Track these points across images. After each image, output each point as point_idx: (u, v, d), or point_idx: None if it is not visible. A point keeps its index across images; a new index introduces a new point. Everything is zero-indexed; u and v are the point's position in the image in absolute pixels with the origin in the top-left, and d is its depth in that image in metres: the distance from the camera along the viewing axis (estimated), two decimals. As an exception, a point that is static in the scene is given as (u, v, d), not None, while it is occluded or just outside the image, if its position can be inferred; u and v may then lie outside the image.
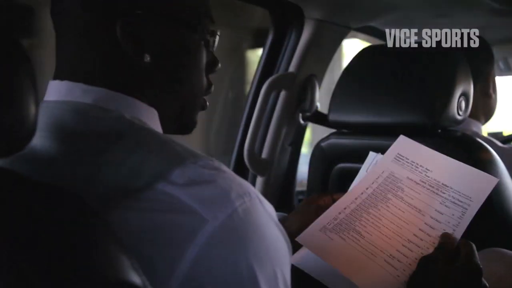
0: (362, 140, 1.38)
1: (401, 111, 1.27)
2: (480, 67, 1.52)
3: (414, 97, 1.26)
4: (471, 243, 0.83)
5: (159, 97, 0.72)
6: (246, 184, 0.63)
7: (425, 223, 0.88)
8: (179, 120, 0.76)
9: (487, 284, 0.82)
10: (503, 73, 2.23)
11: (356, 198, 0.94)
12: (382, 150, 1.27)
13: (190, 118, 0.78)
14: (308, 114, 1.79)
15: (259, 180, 1.82)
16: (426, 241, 0.86)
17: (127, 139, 0.64)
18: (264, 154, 1.81)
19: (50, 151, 0.65)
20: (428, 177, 0.93)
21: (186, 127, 0.78)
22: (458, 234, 0.85)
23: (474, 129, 1.51)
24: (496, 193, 1.20)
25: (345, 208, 0.93)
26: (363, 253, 0.86)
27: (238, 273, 0.58)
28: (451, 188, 0.90)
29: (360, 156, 1.27)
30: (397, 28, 1.96)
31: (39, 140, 0.66)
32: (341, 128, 1.45)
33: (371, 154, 1.11)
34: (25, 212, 0.47)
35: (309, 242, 0.90)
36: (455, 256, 0.83)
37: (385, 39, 2.03)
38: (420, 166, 0.95)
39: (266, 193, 1.82)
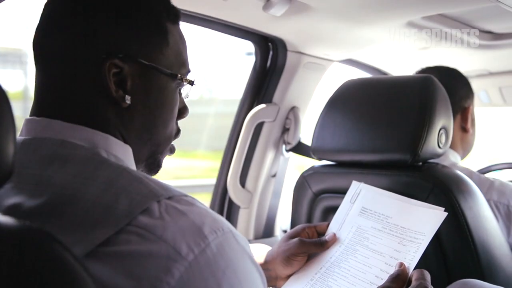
0: (344, 171, 1.38)
1: (381, 146, 1.28)
2: (459, 101, 1.54)
3: (393, 131, 1.26)
4: (423, 270, 0.91)
5: (133, 139, 0.75)
6: (220, 218, 0.65)
7: (385, 263, 0.99)
8: (148, 162, 0.79)
9: None
10: (484, 105, 2.26)
11: (330, 257, 1.06)
12: (363, 181, 1.29)
13: (158, 162, 0.81)
14: (291, 145, 1.81)
15: (243, 211, 1.82)
16: (385, 279, 0.94)
17: (100, 177, 0.65)
18: (247, 185, 1.81)
19: (26, 189, 0.65)
20: (389, 223, 1.05)
21: (152, 170, 0.81)
22: (413, 265, 0.95)
23: (453, 159, 1.51)
24: (476, 226, 1.20)
25: (321, 268, 1.05)
26: None
27: None
28: (408, 229, 1.01)
29: (343, 187, 1.27)
30: (379, 60, 2.00)
31: (15, 178, 0.66)
32: (324, 159, 1.45)
33: (354, 183, 1.17)
34: (3, 257, 0.47)
35: None
36: (408, 283, 0.91)
37: (368, 71, 2.07)
38: (382, 214, 1.07)
39: (249, 224, 1.82)
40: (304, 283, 1.04)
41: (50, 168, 0.66)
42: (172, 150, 0.83)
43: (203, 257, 0.60)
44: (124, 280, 0.58)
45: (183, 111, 0.83)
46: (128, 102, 0.72)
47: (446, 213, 1.00)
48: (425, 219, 1.01)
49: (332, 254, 1.07)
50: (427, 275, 0.90)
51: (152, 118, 0.76)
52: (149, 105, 0.75)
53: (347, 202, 1.15)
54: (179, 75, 0.77)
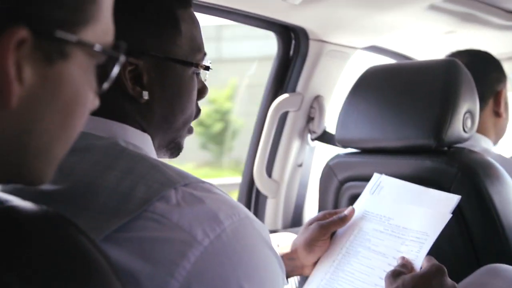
0: (369, 158, 1.38)
1: (405, 131, 1.27)
2: (491, 85, 1.51)
3: (417, 116, 1.26)
4: (431, 256, 0.95)
5: (152, 129, 0.76)
6: (237, 204, 0.66)
7: (388, 264, 1.00)
8: (169, 147, 0.80)
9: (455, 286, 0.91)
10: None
11: (334, 261, 1.07)
12: (388, 167, 1.29)
13: (179, 145, 0.82)
14: (316, 134, 1.80)
15: (270, 201, 1.83)
16: None
17: (119, 165, 0.66)
18: (274, 175, 1.82)
19: None
20: (390, 224, 1.06)
21: (173, 153, 0.82)
22: (417, 266, 0.96)
23: (484, 145, 1.48)
24: (504, 210, 1.19)
25: (326, 274, 1.06)
26: None
27: None
28: (410, 230, 1.03)
29: (368, 175, 1.27)
30: (404, 46, 1.97)
31: None
32: (348, 147, 1.46)
33: (375, 175, 1.17)
34: (20, 239, 0.48)
35: None
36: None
37: (393, 57, 2.05)
38: (383, 216, 1.08)
39: (276, 214, 1.83)
40: None
41: (72, 158, 0.67)
42: (190, 131, 0.83)
43: (219, 242, 0.61)
44: (141, 264, 0.60)
45: (202, 91, 0.83)
46: (146, 97, 0.73)
47: (451, 215, 1.01)
48: (429, 220, 1.02)
49: (335, 257, 1.08)
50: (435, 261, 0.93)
51: (170, 108, 0.77)
52: (166, 97, 0.76)
53: (367, 193, 1.15)
54: (194, 62, 0.77)
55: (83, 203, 0.63)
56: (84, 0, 0.46)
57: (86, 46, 0.47)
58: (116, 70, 0.51)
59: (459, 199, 1.02)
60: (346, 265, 1.05)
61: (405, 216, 1.06)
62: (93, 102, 0.51)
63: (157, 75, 0.74)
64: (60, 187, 0.65)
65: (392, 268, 0.97)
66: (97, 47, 0.47)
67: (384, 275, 0.98)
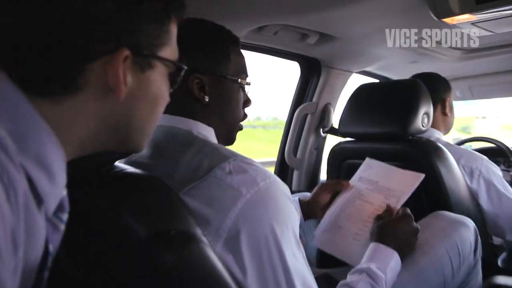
0: (361, 144, 1.39)
1: (385, 125, 1.27)
2: (440, 95, 1.50)
3: (392, 116, 1.26)
4: (405, 207, 0.96)
5: (213, 123, 0.76)
6: (269, 172, 0.66)
7: (374, 209, 1.03)
8: (225, 138, 0.80)
9: (418, 227, 0.92)
10: (459, 99, 2.17)
11: (337, 207, 1.07)
12: (372, 150, 1.28)
13: (231, 138, 0.82)
14: (326, 129, 1.81)
15: (295, 172, 1.83)
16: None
17: (193, 148, 0.68)
18: (298, 155, 1.82)
19: (149, 156, 0.71)
20: (378, 185, 1.07)
21: (228, 143, 0.82)
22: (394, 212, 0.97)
23: (437, 135, 1.47)
24: (447, 178, 1.20)
25: (331, 216, 1.08)
26: (341, 239, 1.03)
27: (262, 226, 0.61)
28: (391, 189, 1.05)
29: (360, 155, 1.27)
30: (384, 71, 1.97)
31: (145, 150, 0.72)
32: (347, 137, 1.46)
33: (367, 159, 1.18)
34: (132, 190, 0.52)
35: (318, 241, 1.06)
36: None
37: (377, 78, 2.04)
38: (372, 180, 1.09)
39: (300, 180, 1.82)
40: (324, 227, 1.08)
41: (163, 143, 0.70)
42: (240, 128, 0.81)
43: (256, 195, 0.62)
44: (207, 209, 0.61)
45: (247, 102, 0.81)
46: (207, 100, 0.73)
47: (423, 175, 1.02)
48: (405, 182, 1.03)
49: (338, 205, 1.08)
50: (407, 209, 0.94)
51: (224, 110, 0.76)
52: (221, 102, 0.75)
53: (361, 169, 1.16)
54: (240, 80, 0.77)
55: (170, 173, 0.65)
56: (161, 30, 0.47)
57: (164, 60, 0.48)
58: (181, 76, 0.52)
59: (423, 176, 1.03)
60: (345, 209, 1.06)
61: (387, 180, 1.07)
62: (167, 98, 0.52)
63: (214, 86, 0.74)
64: (157, 162, 0.69)
65: (377, 212, 0.99)
66: (171, 61, 0.49)
67: (372, 216, 1.00)
